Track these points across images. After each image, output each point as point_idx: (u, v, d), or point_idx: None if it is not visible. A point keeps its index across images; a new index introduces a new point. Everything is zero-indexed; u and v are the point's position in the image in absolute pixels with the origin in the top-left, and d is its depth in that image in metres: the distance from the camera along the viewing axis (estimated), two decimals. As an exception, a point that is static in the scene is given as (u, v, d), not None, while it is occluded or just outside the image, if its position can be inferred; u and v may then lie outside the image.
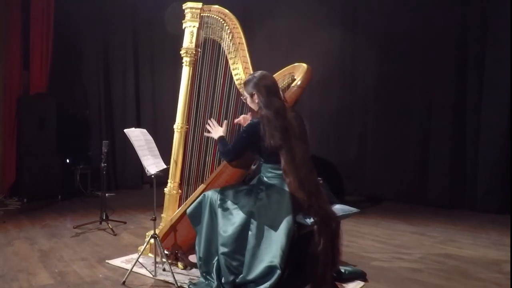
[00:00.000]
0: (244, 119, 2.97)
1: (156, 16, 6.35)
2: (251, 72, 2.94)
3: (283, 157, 2.54)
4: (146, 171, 2.94)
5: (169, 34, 6.31)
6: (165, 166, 3.00)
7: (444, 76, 5.34)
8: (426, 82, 5.49)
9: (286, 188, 2.57)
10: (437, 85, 5.40)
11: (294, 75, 3.05)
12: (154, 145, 3.09)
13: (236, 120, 3.02)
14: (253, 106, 2.76)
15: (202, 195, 2.77)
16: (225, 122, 3.00)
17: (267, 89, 2.65)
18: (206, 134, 3.04)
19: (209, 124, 3.00)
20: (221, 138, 2.90)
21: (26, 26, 5.86)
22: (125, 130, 3.04)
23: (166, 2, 5.82)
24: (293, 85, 3.00)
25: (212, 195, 2.72)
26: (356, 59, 6.11)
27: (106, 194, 4.86)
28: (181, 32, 3.22)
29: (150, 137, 3.10)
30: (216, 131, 2.95)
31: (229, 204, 2.64)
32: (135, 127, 3.21)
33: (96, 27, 6.55)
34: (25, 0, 5.83)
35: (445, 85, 5.32)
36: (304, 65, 3.06)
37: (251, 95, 2.70)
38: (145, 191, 6.56)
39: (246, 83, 2.75)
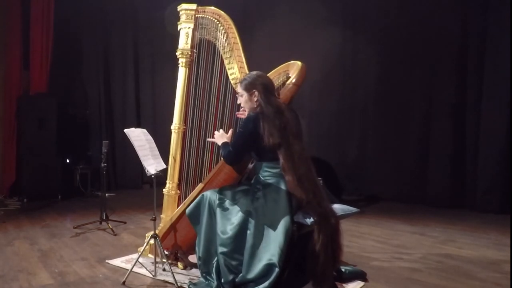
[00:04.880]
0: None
1: (156, 16, 6.35)
2: (247, 71, 2.97)
3: (282, 155, 2.56)
4: (146, 171, 2.94)
5: (169, 34, 6.31)
6: (165, 166, 3.01)
7: (444, 76, 5.34)
8: (426, 82, 5.50)
9: (283, 187, 2.58)
10: (437, 85, 5.40)
11: (288, 73, 3.06)
12: (154, 145, 3.10)
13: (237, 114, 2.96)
14: (248, 105, 2.74)
15: (200, 195, 2.78)
16: (231, 130, 2.98)
17: (265, 87, 2.67)
18: (209, 139, 3.02)
19: (214, 134, 2.98)
20: (224, 143, 2.86)
21: (26, 26, 5.86)
22: (125, 130, 3.04)
23: (166, 2, 5.82)
24: (288, 82, 3.01)
25: (211, 195, 2.72)
26: (356, 59, 6.12)
27: (106, 194, 4.85)
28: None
29: (150, 137, 3.11)
30: (221, 136, 2.90)
31: (228, 203, 2.65)
32: (135, 127, 3.21)
33: (96, 27, 6.56)
34: (25, 0, 5.83)
35: (445, 85, 5.33)
36: (299, 62, 3.07)
37: (251, 93, 2.69)
38: (145, 191, 6.56)
39: (244, 82, 2.73)
